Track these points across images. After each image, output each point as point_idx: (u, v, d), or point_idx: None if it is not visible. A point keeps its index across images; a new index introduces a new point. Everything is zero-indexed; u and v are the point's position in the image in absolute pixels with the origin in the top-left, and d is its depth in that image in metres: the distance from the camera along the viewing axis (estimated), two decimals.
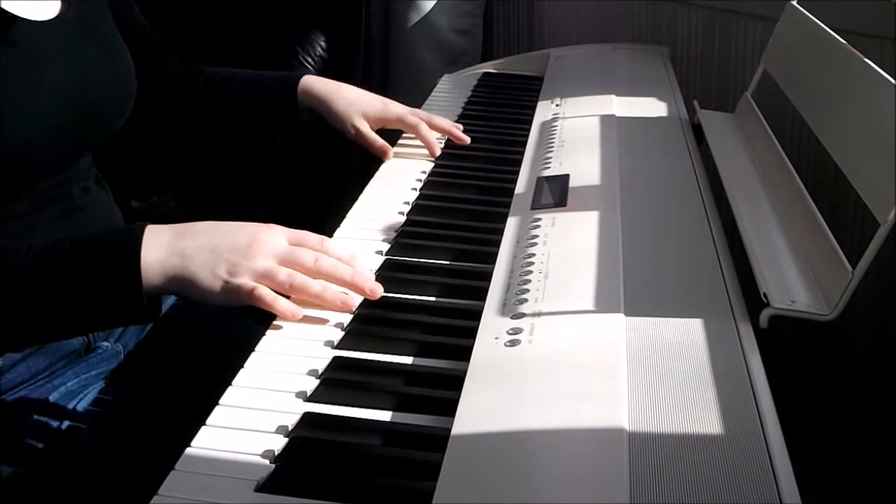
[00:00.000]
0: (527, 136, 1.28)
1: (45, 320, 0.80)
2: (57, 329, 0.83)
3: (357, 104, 1.21)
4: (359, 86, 1.23)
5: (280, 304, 0.80)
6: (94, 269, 0.78)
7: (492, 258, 0.91)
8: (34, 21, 0.90)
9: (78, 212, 0.96)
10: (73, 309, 0.78)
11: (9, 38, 0.86)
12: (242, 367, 0.76)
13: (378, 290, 0.85)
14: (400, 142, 1.28)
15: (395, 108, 1.23)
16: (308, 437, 0.67)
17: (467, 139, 1.27)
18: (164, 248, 0.79)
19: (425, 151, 1.24)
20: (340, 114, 1.20)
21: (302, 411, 0.70)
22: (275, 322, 0.82)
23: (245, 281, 0.79)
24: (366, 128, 1.21)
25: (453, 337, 0.80)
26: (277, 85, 1.22)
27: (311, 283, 0.81)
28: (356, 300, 0.84)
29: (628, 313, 0.77)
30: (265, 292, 0.79)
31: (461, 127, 1.29)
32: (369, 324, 0.83)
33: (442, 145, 1.29)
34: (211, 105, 1.22)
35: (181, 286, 0.79)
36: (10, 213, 0.89)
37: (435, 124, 1.25)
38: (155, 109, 1.15)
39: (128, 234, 0.80)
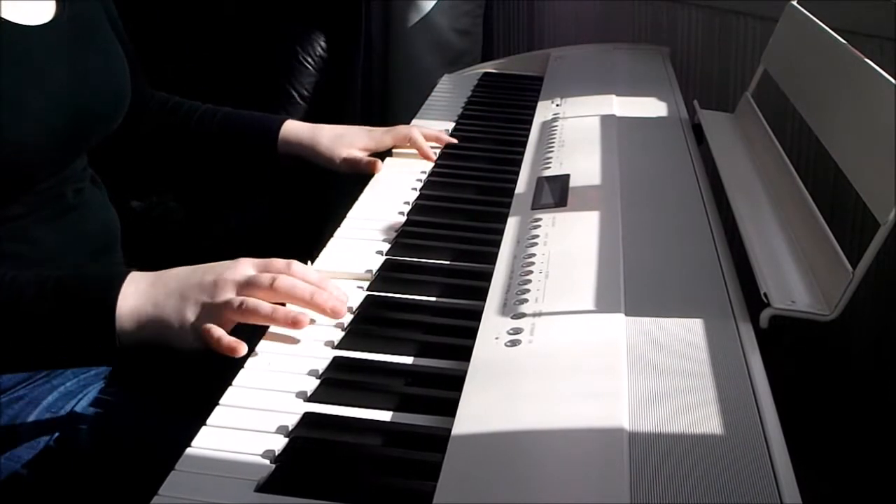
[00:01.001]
0: (527, 136, 1.28)
1: (16, 353, 0.82)
2: (27, 362, 0.86)
3: (343, 138, 1.21)
4: (359, 86, 1.23)
5: (223, 342, 0.78)
6: (70, 314, 0.80)
7: (492, 258, 0.91)
8: (29, 25, 0.90)
9: (72, 212, 0.96)
10: (45, 347, 0.81)
11: (3, 43, 0.86)
12: (242, 367, 0.76)
13: (341, 312, 0.82)
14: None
15: (379, 132, 1.23)
16: (308, 437, 0.67)
17: (454, 141, 1.29)
18: (139, 297, 0.80)
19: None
20: (326, 152, 1.20)
21: (302, 411, 0.70)
22: None
23: (205, 321, 0.79)
24: (355, 157, 1.20)
25: (453, 337, 0.80)
26: (257, 133, 1.21)
27: (261, 305, 0.79)
28: (311, 316, 0.81)
29: (628, 313, 0.77)
30: (210, 333, 0.78)
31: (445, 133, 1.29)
32: (369, 324, 0.83)
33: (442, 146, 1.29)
34: (188, 141, 1.21)
35: (155, 333, 0.80)
36: (5, 216, 0.89)
37: (423, 134, 1.25)
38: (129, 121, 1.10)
39: (107, 283, 0.81)
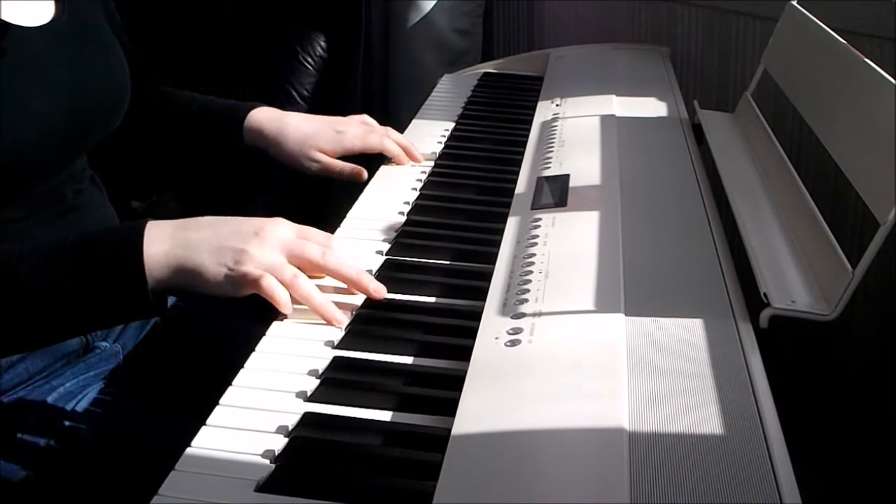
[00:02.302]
0: (527, 136, 1.28)
1: (50, 321, 0.79)
2: (62, 329, 0.82)
3: (309, 139, 1.14)
4: (359, 86, 1.21)
5: (283, 299, 0.79)
6: (97, 264, 0.78)
7: (492, 258, 0.91)
8: (27, 27, 0.89)
9: (71, 213, 0.96)
10: (78, 307, 0.78)
11: (2, 45, 0.86)
12: (242, 367, 0.76)
13: (382, 291, 0.84)
14: None
15: (350, 137, 1.16)
16: (308, 437, 0.67)
17: (421, 158, 1.22)
18: (167, 240, 0.79)
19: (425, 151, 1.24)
20: (294, 154, 1.14)
21: (302, 411, 0.70)
22: (275, 322, 0.82)
23: (251, 269, 0.78)
24: (326, 159, 1.15)
25: (453, 337, 0.80)
26: (223, 120, 1.15)
27: (315, 293, 0.80)
28: (346, 319, 0.82)
29: (628, 313, 0.77)
30: (272, 283, 0.78)
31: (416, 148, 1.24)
32: (369, 324, 0.83)
33: (442, 146, 1.29)
34: (170, 129, 1.18)
35: (186, 277, 0.78)
36: (4, 218, 0.89)
37: (394, 140, 1.20)
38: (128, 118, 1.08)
39: (129, 229, 0.80)
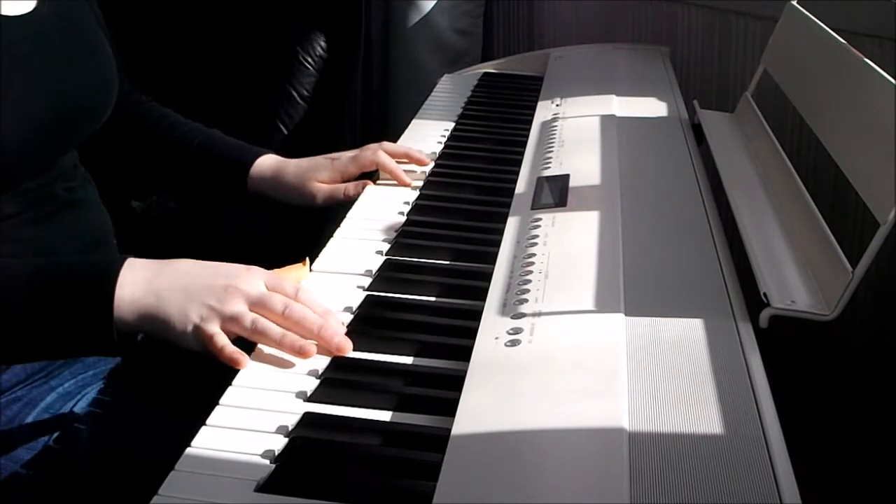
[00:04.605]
0: (527, 136, 1.28)
1: (12, 343, 0.80)
2: (23, 353, 0.83)
3: (306, 172, 1.16)
4: (359, 86, 1.20)
5: (226, 352, 0.77)
6: (67, 299, 0.78)
7: (492, 258, 0.91)
8: (7, 16, 0.89)
9: (63, 211, 0.96)
10: (42, 336, 0.79)
11: None
12: None
13: (346, 348, 0.79)
14: None
15: (342, 160, 1.17)
16: (308, 437, 0.67)
17: (426, 160, 1.21)
18: (140, 286, 0.79)
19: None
20: (294, 187, 1.15)
21: (302, 411, 0.70)
22: None
23: (210, 327, 0.78)
24: (326, 186, 1.16)
25: (453, 337, 0.80)
26: (229, 167, 1.17)
27: (272, 328, 0.78)
28: (315, 348, 0.79)
29: (628, 313, 0.77)
30: (217, 340, 0.77)
31: (416, 149, 1.22)
32: (369, 324, 0.83)
33: (442, 145, 1.29)
34: (164, 158, 1.18)
35: (154, 326, 0.79)
36: None
37: (390, 151, 1.19)
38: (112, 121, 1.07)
39: (105, 268, 0.80)
